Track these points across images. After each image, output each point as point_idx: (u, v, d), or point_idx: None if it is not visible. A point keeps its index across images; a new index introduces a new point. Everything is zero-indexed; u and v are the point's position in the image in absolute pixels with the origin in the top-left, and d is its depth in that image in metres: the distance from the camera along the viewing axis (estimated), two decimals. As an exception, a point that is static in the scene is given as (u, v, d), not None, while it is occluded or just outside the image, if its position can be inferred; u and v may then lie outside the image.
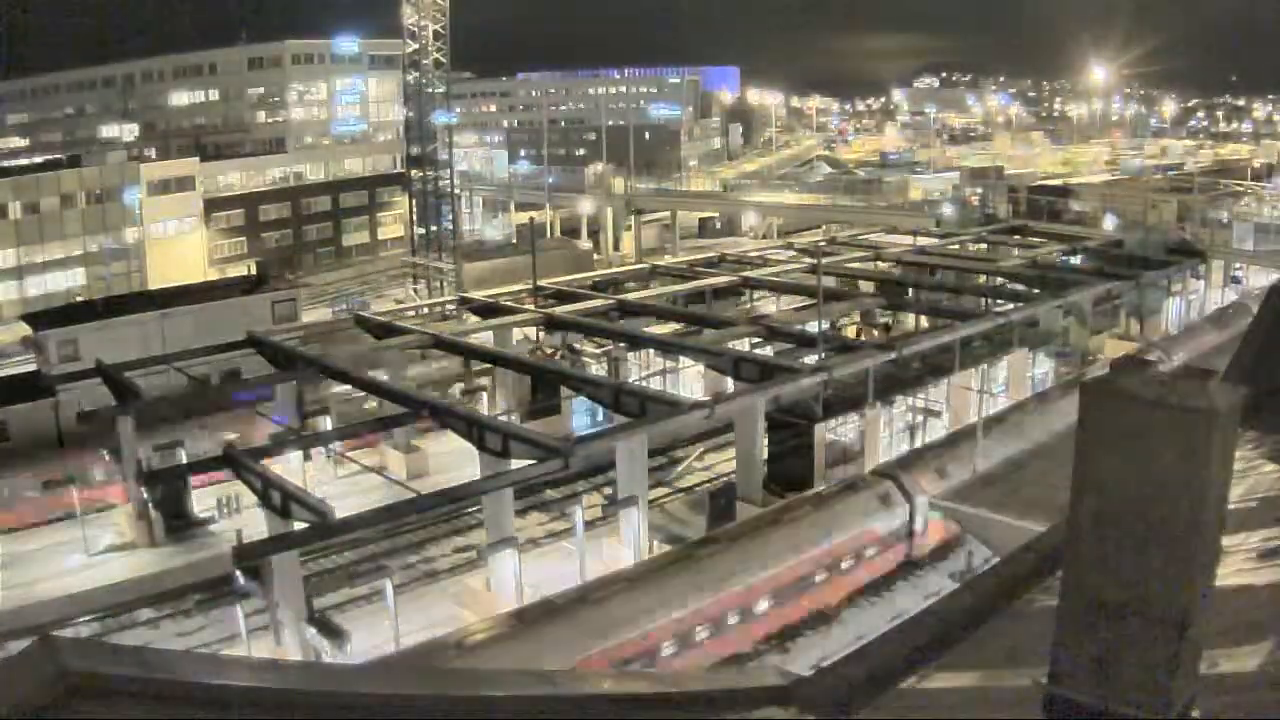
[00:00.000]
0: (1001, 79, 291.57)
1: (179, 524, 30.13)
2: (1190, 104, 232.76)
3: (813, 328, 31.94)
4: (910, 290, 42.99)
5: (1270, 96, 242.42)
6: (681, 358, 35.33)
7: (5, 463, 30.31)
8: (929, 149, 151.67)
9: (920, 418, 33.46)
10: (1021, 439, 28.13)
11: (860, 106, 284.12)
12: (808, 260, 43.28)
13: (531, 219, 61.04)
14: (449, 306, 43.59)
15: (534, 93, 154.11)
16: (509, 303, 38.91)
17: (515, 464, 23.61)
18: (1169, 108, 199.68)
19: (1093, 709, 3.07)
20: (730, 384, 31.70)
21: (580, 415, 37.43)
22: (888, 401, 32.28)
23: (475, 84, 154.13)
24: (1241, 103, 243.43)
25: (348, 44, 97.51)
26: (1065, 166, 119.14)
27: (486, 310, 38.27)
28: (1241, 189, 65.53)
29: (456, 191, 69.32)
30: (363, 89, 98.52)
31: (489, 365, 37.46)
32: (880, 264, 48.82)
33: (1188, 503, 2.91)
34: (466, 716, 3.19)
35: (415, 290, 65.55)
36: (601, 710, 3.49)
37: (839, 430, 30.95)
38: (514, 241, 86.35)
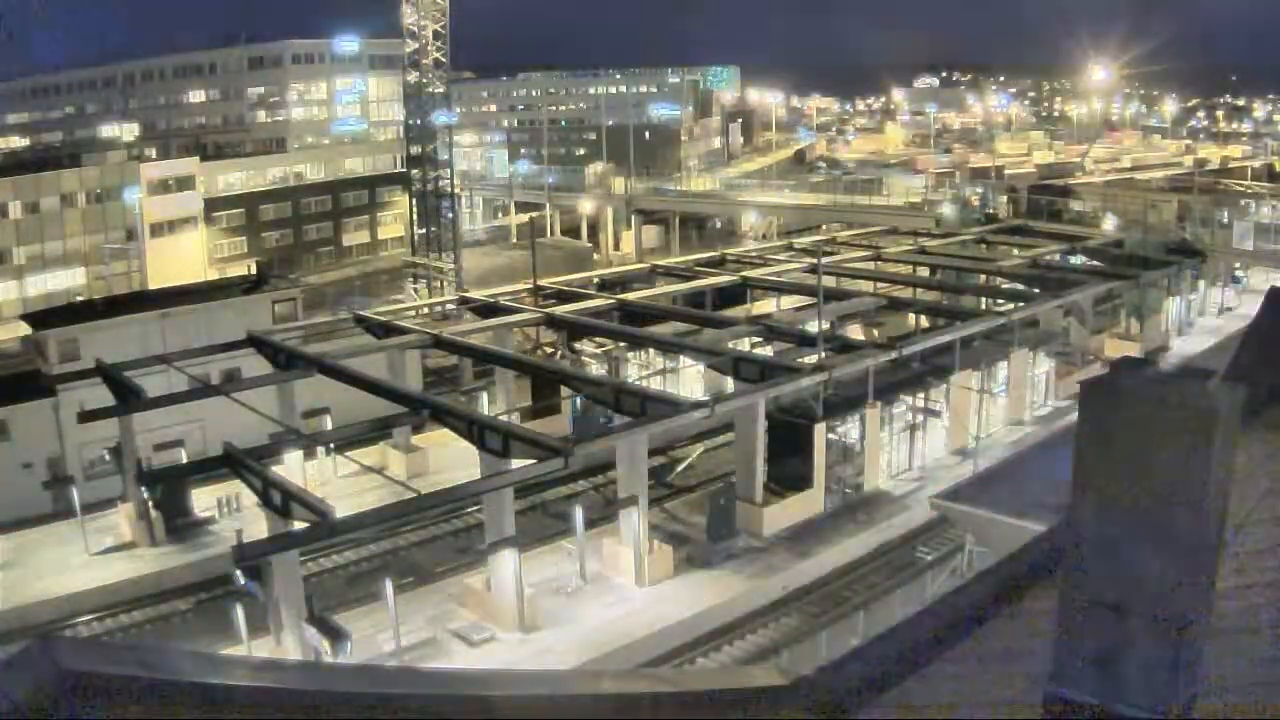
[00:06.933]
0: (1002, 78, 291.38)
1: (179, 524, 30.15)
2: (1190, 104, 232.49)
3: (813, 328, 31.91)
4: (910, 290, 42.96)
5: (1270, 96, 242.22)
6: (681, 358, 35.30)
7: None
8: (925, 151, 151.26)
9: (920, 418, 33.48)
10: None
11: (860, 106, 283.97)
12: (808, 260, 43.24)
13: (531, 219, 61.08)
14: (449, 306, 43.58)
15: (534, 93, 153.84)
16: (509, 302, 38.90)
17: (515, 464, 23.61)
18: (1169, 107, 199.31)
19: (1093, 709, 3.08)
20: (730, 384, 31.71)
21: (580, 415, 37.44)
22: (888, 401, 32.29)
23: (475, 84, 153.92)
24: (1241, 102, 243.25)
25: (348, 44, 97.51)
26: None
27: (486, 310, 38.26)
28: (1242, 189, 65.44)
29: (457, 191, 69.17)
30: (363, 89, 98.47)
31: (489, 365, 37.43)
32: (880, 264, 48.80)
33: (1188, 503, 2.92)
34: (466, 717, 3.19)
35: (415, 290, 65.48)
36: (601, 710, 3.48)
37: (839, 430, 30.95)
38: (514, 240, 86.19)
